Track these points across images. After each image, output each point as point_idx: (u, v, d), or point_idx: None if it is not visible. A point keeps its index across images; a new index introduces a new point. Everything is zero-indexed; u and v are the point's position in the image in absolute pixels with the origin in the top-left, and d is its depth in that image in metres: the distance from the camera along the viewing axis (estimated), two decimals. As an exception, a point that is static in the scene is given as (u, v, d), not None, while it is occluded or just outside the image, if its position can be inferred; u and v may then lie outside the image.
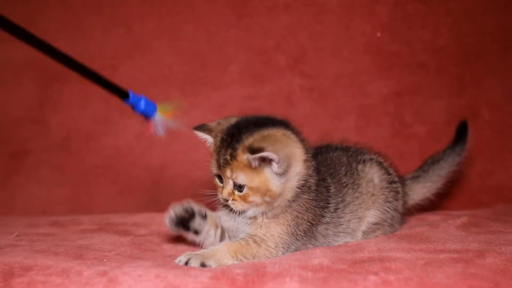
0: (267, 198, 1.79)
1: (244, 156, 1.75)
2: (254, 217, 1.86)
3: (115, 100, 3.05)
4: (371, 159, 2.15)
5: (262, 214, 1.84)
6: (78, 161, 3.08)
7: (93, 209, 2.98)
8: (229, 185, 1.81)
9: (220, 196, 1.87)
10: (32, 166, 3.10)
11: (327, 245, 1.95)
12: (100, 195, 3.03)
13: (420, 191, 2.45)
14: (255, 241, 1.81)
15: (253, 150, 1.72)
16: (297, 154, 1.83)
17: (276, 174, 1.77)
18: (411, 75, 2.96)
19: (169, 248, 1.96)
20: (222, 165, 1.81)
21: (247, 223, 1.88)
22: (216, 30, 3.09)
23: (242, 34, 3.08)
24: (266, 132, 1.80)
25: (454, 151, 2.51)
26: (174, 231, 1.83)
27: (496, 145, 2.89)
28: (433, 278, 1.36)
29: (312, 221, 1.88)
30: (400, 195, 2.17)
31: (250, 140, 1.76)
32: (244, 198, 1.80)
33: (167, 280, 1.41)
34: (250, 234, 1.84)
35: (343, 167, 2.07)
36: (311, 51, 3.03)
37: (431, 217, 2.44)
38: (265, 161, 1.74)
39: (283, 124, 1.88)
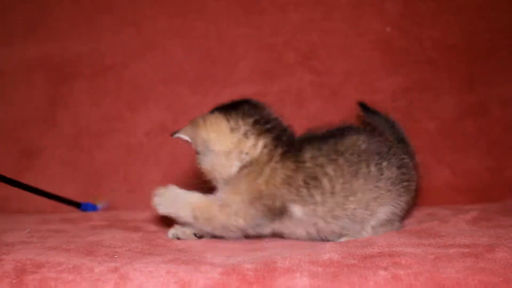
0: (205, 175, 2.07)
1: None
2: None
3: (125, 98, 3.08)
4: (401, 159, 2.09)
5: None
6: (89, 159, 3.09)
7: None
8: None
9: None
10: (44, 164, 3.12)
11: (324, 230, 1.97)
12: (110, 192, 3.05)
13: None
14: (220, 205, 1.93)
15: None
16: (213, 134, 2.03)
17: (198, 153, 2.08)
18: (421, 71, 2.96)
19: (179, 243, 1.96)
20: None
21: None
22: (226, 28, 3.10)
23: (252, 31, 3.08)
24: (197, 117, 2.09)
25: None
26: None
27: (507, 141, 2.89)
28: (443, 273, 1.36)
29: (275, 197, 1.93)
30: (414, 188, 2.16)
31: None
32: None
33: (178, 276, 1.42)
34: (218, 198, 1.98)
35: (361, 157, 1.99)
36: (321, 48, 3.04)
37: (441, 211, 2.44)
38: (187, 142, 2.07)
39: (225, 107, 2.13)
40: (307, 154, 1.98)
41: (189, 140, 2.06)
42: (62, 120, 3.14)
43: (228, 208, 1.92)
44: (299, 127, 2.95)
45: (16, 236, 2.06)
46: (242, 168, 1.99)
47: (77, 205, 2.06)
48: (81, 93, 3.15)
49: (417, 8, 3.00)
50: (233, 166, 2.00)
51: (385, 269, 1.40)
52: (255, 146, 2.00)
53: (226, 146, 2.02)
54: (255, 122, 2.04)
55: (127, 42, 3.15)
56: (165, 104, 3.09)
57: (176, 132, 2.06)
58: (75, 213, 2.70)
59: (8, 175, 3.05)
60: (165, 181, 2.97)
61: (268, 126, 2.05)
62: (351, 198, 1.93)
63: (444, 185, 2.87)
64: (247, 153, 2.00)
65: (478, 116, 2.91)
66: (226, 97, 3.02)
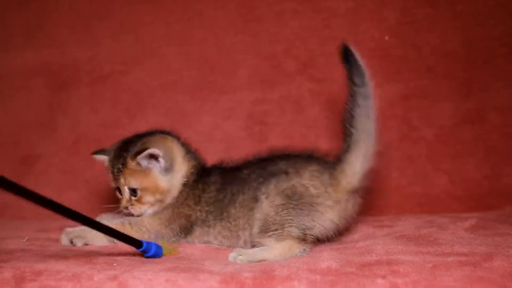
0: (158, 196, 2.09)
1: (133, 162, 2.06)
2: None
3: (124, 104, 3.09)
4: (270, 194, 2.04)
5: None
6: (88, 165, 3.09)
7: (103, 213, 2.99)
8: (126, 193, 2.11)
9: (121, 206, 2.13)
10: (42, 170, 3.12)
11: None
12: (109, 199, 3.05)
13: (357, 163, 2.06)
14: (129, 223, 2.06)
15: (139, 152, 2.04)
16: (176, 150, 2.15)
17: (163, 171, 2.09)
18: (419, 79, 2.97)
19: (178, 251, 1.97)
20: (116, 175, 2.10)
21: None
22: (225, 35, 3.11)
23: (250, 39, 3.09)
24: (146, 139, 2.12)
25: (356, 85, 2.23)
26: None
27: (504, 148, 2.89)
28: (440, 282, 1.37)
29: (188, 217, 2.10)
30: None
31: (136, 147, 2.08)
32: (139, 201, 2.09)
33: (177, 284, 1.43)
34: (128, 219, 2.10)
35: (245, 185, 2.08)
36: (319, 55, 3.04)
37: (439, 219, 2.44)
38: (152, 158, 2.07)
39: (163, 132, 2.21)
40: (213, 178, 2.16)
41: (161, 154, 2.09)
42: (61, 126, 3.15)
43: (137, 226, 2.07)
44: (298, 134, 2.98)
45: (14, 243, 2.07)
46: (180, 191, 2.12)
47: (139, 245, 1.82)
48: (80, 100, 3.15)
49: (415, 15, 3.01)
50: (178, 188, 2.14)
51: (383, 277, 1.41)
52: (189, 170, 2.16)
53: (181, 165, 2.16)
54: (188, 149, 2.23)
55: (125, 49, 3.16)
56: (163, 111, 3.09)
57: (145, 148, 2.07)
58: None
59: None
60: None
61: (193, 152, 2.25)
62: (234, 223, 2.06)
63: (442, 193, 2.87)
64: (191, 174, 2.16)
65: (475, 123, 2.92)
66: (225, 104, 3.05)
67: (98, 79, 3.16)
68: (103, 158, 2.23)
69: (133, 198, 2.10)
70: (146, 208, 2.11)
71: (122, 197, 2.12)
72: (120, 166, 2.09)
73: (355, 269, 1.51)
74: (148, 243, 1.80)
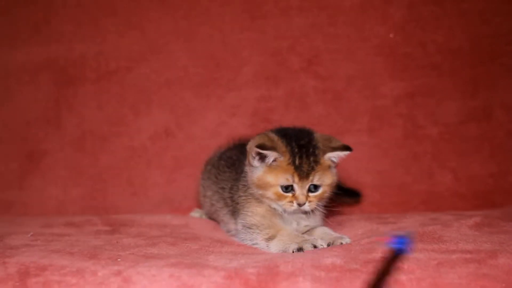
0: (331, 191, 2.07)
1: (325, 158, 2.00)
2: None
3: (129, 101, 3.09)
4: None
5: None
6: (93, 162, 3.10)
7: (108, 209, 2.99)
8: (305, 190, 1.98)
9: (292, 203, 2.00)
10: (48, 167, 3.12)
11: None
12: (114, 196, 3.05)
13: None
14: None
15: (343, 147, 2.02)
16: None
17: (334, 168, 2.07)
18: (424, 76, 2.96)
19: (182, 247, 1.97)
20: (306, 173, 1.96)
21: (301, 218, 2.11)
22: (231, 32, 3.11)
23: (256, 36, 3.09)
24: (320, 135, 2.08)
25: None
26: None
27: (510, 146, 2.89)
28: (445, 279, 1.37)
29: None
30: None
31: (321, 143, 2.01)
32: (320, 196, 2.02)
33: (181, 280, 1.43)
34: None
35: None
36: (324, 52, 3.04)
37: (444, 216, 2.43)
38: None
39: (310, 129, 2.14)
40: None
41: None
42: (67, 122, 3.15)
43: None
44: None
45: (19, 239, 2.06)
46: None
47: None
48: (86, 96, 3.16)
49: (421, 12, 3.00)
50: None
51: (388, 274, 1.40)
52: None
53: None
54: None
55: (131, 45, 3.16)
56: (169, 108, 3.10)
57: (348, 148, 2.04)
58: (79, 217, 2.69)
59: (13, 177, 3.07)
60: (168, 185, 3.00)
61: None
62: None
63: (447, 191, 2.87)
64: None
65: (481, 121, 2.91)
66: (230, 101, 3.05)
67: (104, 75, 3.16)
68: (273, 154, 1.99)
69: (311, 194, 2.01)
70: (318, 203, 2.04)
71: (298, 194, 1.98)
72: (313, 164, 1.98)
73: (360, 265, 1.50)
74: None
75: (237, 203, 2.16)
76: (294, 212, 2.04)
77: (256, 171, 2.02)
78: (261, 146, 1.95)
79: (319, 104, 3.00)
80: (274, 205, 2.04)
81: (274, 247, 1.92)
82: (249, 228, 2.05)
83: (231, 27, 3.11)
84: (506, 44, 2.94)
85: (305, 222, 2.10)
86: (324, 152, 1.99)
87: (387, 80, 2.98)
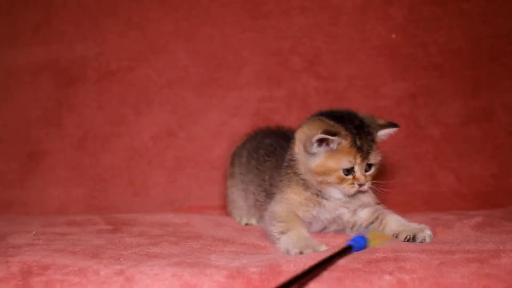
0: None
1: (379, 136, 2.05)
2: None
3: (131, 101, 3.09)
4: None
5: None
6: (94, 162, 3.09)
7: (109, 209, 2.99)
8: (363, 170, 2.00)
9: (353, 185, 1.99)
10: (49, 167, 3.12)
11: None
12: (116, 195, 3.05)
13: None
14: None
15: (391, 124, 2.08)
16: None
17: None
18: (426, 77, 2.97)
19: (184, 246, 1.97)
20: (366, 153, 1.98)
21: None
22: (232, 32, 3.11)
23: (257, 36, 3.09)
24: (365, 115, 2.09)
25: None
26: None
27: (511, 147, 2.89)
28: (447, 278, 1.37)
29: None
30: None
31: (369, 122, 2.04)
32: (373, 174, 2.04)
33: (183, 279, 1.43)
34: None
35: None
36: (326, 53, 3.04)
37: (446, 217, 2.43)
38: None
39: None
40: None
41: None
42: (68, 123, 3.15)
43: None
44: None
45: (22, 238, 2.07)
46: None
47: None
48: (87, 96, 3.15)
49: (422, 13, 3.00)
50: None
51: (390, 273, 1.41)
52: None
53: None
54: None
55: (132, 46, 3.16)
56: (170, 108, 3.09)
57: (395, 124, 2.10)
58: (81, 216, 2.69)
59: (14, 177, 3.07)
60: (169, 185, 3.00)
61: None
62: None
63: (448, 191, 2.88)
64: None
65: (482, 121, 2.92)
66: (231, 101, 3.05)
67: (105, 75, 3.15)
68: (339, 140, 1.97)
69: (367, 173, 2.01)
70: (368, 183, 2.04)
71: (358, 175, 1.98)
72: (371, 143, 2.00)
73: (362, 265, 1.50)
74: (355, 241, 1.76)
75: (275, 188, 2.15)
76: (354, 194, 2.04)
77: (315, 158, 1.99)
78: (327, 132, 1.92)
79: (320, 105, 2.98)
80: (331, 190, 2.04)
81: (283, 243, 1.87)
82: (271, 216, 2.02)
83: (232, 27, 3.11)
84: (507, 44, 2.95)
85: (356, 203, 2.08)
86: (377, 131, 2.02)
87: (389, 80, 2.98)
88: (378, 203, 2.12)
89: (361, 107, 2.90)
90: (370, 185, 2.02)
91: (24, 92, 3.20)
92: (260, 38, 3.09)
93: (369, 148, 1.97)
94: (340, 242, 1.88)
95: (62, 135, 3.14)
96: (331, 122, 1.99)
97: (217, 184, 2.95)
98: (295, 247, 1.80)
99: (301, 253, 1.77)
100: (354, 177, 1.97)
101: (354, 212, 2.08)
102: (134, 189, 3.05)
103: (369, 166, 2.00)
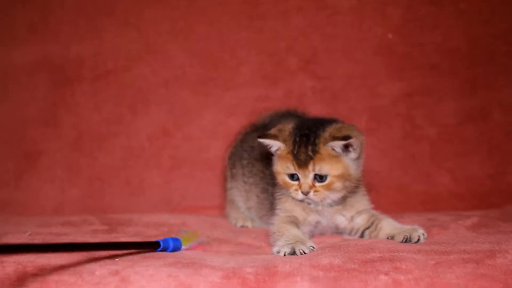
0: (347, 183, 2.01)
1: (326, 147, 1.96)
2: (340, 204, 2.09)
3: (127, 101, 3.08)
4: None
5: (343, 198, 2.07)
6: (90, 162, 3.09)
7: (105, 209, 2.99)
8: (309, 179, 1.98)
9: (297, 192, 2.01)
10: (45, 167, 3.12)
11: None
12: (112, 196, 3.05)
13: None
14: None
15: (343, 137, 1.94)
16: (364, 141, 2.05)
17: (352, 160, 2.00)
18: (422, 76, 2.97)
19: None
20: (304, 162, 1.97)
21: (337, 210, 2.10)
22: (229, 32, 3.10)
23: (254, 36, 3.09)
24: (338, 125, 2.03)
25: None
26: None
27: (508, 147, 2.89)
28: (443, 279, 1.37)
29: None
30: None
31: (327, 133, 1.98)
32: (327, 187, 1.98)
33: (179, 280, 1.42)
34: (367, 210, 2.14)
35: None
36: (322, 52, 3.04)
37: (441, 217, 2.43)
38: (346, 148, 1.97)
39: (339, 121, 2.11)
40: None
41: (355, 145, 2.00)
42: (64, 123, 3.14)
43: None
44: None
45: (17, 238, 2.06)
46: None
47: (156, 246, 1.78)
48: (83, 96, 3.15)
49: (419, 12, 3.00)
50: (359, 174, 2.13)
51: (386, 274, 1.40)
52: None
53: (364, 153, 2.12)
54: None
55: (129, 45, 3.15)
56: (167, 108, 3.09)
57: (348, 137, 1.96)
58: (76, 217, 2.69)
59: (9, 177, 3.06)
60: (166, 185, 3.00)
61: None
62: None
63: (444, 191, 2.88)
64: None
65: (479, 121, 2.92)
66: (228, 100, 3.05)
67: (102, 75, 3.15)
68: (274, 143, 2.05)
69: (317, 184, 1.99)
70: (329, 195, 2.01)
71: (302, 183, 1.99)
72: (310, 153, 1.97)
73: (358, 265, 1.50)
74: (164, 240, 1.80)
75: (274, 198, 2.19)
76: (303, 201, 2.05)
77: (274, 159, 2.10)
78: (263, 135, 2.04)
79: (317, 104, 3.00)
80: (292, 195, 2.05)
81: (275, 248, 1.85)
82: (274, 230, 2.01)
83: (229, 27, 3.11)
84: (504, 44, 2.95)
85: (351, 210, 2.10)
86: (326, 141, 1.96)
87: (385, 80, 2.98)
88: (372, 208, 2.14)
89: (358, 107, 2.93)
90: (323, 197, 2.00)
91: (20, 92, 3.19)
92: (256, 37, 3.09)
93: (307, 157, 1.97)
94: (336, 241, 1.90)
95: (58, 135, 3.13)
96: (287, 127, 2.06)
97: (213, 184, 2.95)
98: (285, 247, 1.80)
99: (293, 250, 1.78)
100: (299, 184, 2.00)
101: (352, 218, 2.10)
102: (131, 189, 3.05)
103: (321, 177, 1.98)
